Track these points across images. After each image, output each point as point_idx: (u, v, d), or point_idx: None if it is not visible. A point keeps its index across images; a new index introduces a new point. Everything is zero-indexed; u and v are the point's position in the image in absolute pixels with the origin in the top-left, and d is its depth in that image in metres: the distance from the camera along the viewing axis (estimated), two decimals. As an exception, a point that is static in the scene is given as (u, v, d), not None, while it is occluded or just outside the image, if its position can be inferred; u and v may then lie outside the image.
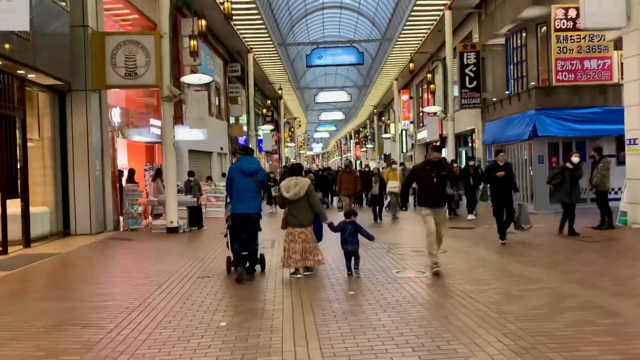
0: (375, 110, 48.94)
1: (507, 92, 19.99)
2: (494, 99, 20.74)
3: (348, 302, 6.08)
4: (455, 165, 15.63)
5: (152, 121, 17.58)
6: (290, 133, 53.42)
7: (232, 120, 28.93)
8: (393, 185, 14.95)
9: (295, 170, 7.88)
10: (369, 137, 59.72)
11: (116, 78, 12.86)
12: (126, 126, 16.31)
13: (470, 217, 14.77)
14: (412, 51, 25.79)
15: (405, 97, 37.94)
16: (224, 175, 24.25)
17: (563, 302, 5.73)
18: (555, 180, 10.94)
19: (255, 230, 7.70)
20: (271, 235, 11.14)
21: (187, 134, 18.67)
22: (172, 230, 13.27)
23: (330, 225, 7.68)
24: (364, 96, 47.44)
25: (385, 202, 16.65)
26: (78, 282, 7.77)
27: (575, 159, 11.00)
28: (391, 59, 30.45)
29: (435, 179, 7.45)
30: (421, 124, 35.87)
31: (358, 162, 70.01)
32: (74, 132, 12.83)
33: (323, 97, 51.09)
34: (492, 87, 21.30)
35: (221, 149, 26.03)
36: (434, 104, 27.93)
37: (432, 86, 22.85)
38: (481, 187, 14.73)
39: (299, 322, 5.32)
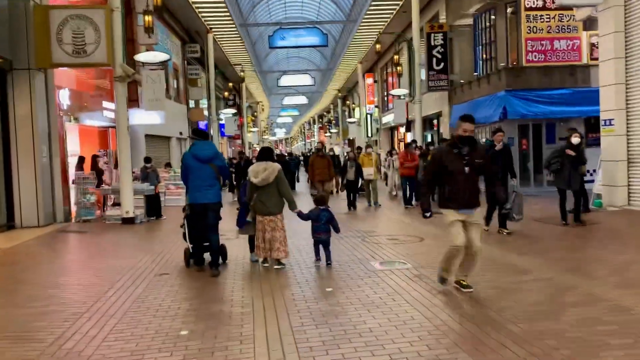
0: (339, 94, 48.27)
1: (476, 74, 19.61)
2: (462, 81, 20.36)
3: (327, 301, 5.43)
4: (431, 148, 14.92)
5: (105, 104, 16.39)
6: (253, 118, 52.28)
7: (192, 104, 27.75)
8: (368, 173, 14.11)
9: (264, 154, 7.25)
10: (333, 121, 59.12)
11: (63, 56, 11.73)
12: (77, 109, 15.14)
13: None
14: (377, 32, 25.10)
15: (369, 80, 37.39)
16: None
17: (563, 296, 5.23)
18: (554, 165, 9.66)
19: (216, 221, 7.16)
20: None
21: (144, 118, 17.58)
22: (128, 221, 12.32)
23: (300, 214, 7.15)
24: (327, 80, 46.62)
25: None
26: (17, 283, 6.85)
27: (575, 139, 9.51)
28: (356, 40, 29.72)
29: (467, 168, 5.33)
30: (386, 108, 35.45)
31: (322, 146, 69.48)
32: (16, 115, 11.68)
33: (286, 80, 50.04)
34: (460, 69, 20.90)
35: (180, 133, 24.89)
36: (399, 87, 27.51)
37: (399, 68, 22.27)
38: None
39: (273, 328, 4.63)
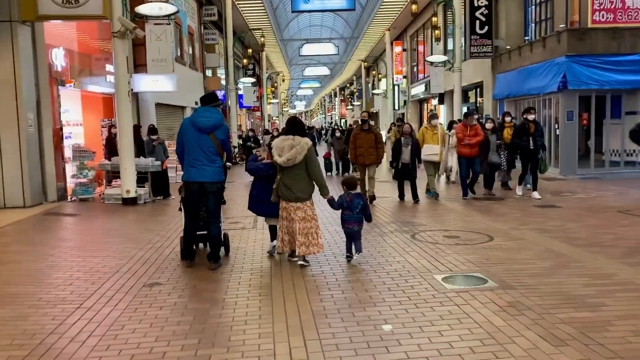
0: (364, 64, 45.79)
1: (527, 39, 17.33)
2: (508, 47, 18.05)
3: (377, 331, 3.58)
4: (508, 119, 11.45)
5: (110, 68, 14.61)
6: (273, 89, 50.18)
7: (209, 73, 25.86)
8: (433, 152, 10.62)
9: (293, 126, 5.81)
10: (356, 93, 56.75)
11: (51, 7, 9.92)
12: (77, 73, 13.38)
13: (518, 191, 10.74)
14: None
15: (398, 49, 35.00)
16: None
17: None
18: None
19: (216, 205, 5.93)
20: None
21: (152, 84, 15.78)
22: (129, 202, 10.62)
23: (331, 201, 5.83)
24: (352, 49, 44.21)
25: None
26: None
27: None
28: (385, 4, 27.33)
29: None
30: (415, 79, 33.15)
31: (343, 120, 67.16)
32: (-4, 77, 9.95)
33: (308, 49, 47.70)
34: (506, 33, 18.56)
35: (196, 103, 23.01)
36: (432, 54, 25.14)
37: (436, 32, 19.98)
38: (541, 153, 10.46)
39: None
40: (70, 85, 12.81)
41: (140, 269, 5.85)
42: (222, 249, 6.24)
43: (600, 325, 3.82)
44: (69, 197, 11.65)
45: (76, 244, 7.34)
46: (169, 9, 10.23)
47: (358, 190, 6.37)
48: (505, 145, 11.05)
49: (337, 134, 16.89)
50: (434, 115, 11.30)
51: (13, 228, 8.46)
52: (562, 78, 13.71)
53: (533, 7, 17.10)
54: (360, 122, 10.47)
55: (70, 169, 11.94)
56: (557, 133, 14.68)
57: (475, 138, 10.21)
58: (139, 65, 16.38)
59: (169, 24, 11.16)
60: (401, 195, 10.46)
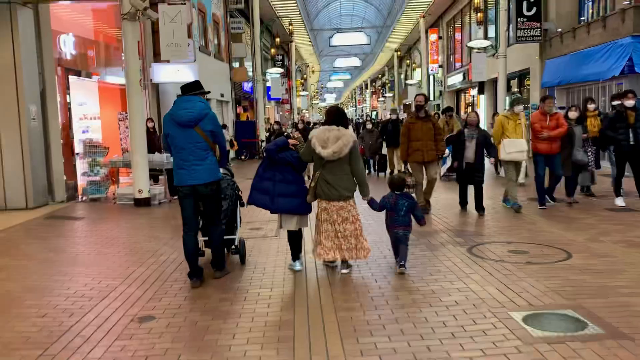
0: (398, 53, 44.12)
1: (582, 19, 15.67)
2: (560, 30, 16.41)
3: None
4: (592, 107, 8.96)
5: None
6: (302, 81, 49.03)
7: (235, 64, 24.82)
8: (518, 148, 7.90)
9: (335, 116, 5.13)
10: (388, 84, 55.10)
11: (54, -15, 8.89)
12: (90, 62, 12.44)
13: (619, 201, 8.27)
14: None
15: (433, 37, 33.32)
16: (224, 127, 20.41)
17: None
18: None
19: (216, 208, 5.18)
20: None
21: (173, 74, 14.71)
22: (142, 203, 9.59)
23: (372, 202, 5.23)
24: (384, 38, 42.64)
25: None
26: None
27: None
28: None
29: None
30: (452, 68, 31.52)
31: (374, 113, 65.52)
32: (-6, 64, 9.01)
33: (339, 40, 46.30)
34: (557, 15, 16.90)
35: (222, 95, 22.03)
36: (470, 40, 23.49)
37: (479, 14, 18.41)
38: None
39: None
40: (97, 77, 11.88)
41: (134, 293, 4.74)
42: (238, 257, 5.69)
43: None
44: (79, 197, 10.71)
45: (68, 257, 6.26)
46: (184, -14, 9.10)
47: (403, 191, 5.28)
48: (592, 140, 8.70)
49: (369, 125, 14.13)
50: (517, 100, 8.27)
51: (7, 234, 7.48)
52: (628, 61, 12.11)
53: (589, -16, 15.43)
54: (414, 109, 8.22)
55: (81, 165, 11.00)
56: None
57: (557, 130, 7.81)
58: (157, 54, 15.39)
59: (184, 3, 10.03)
60: (463, 203, 8.27)
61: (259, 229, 7.36)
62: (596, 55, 13.63)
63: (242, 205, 5.81)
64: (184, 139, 4.84)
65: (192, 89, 5.01)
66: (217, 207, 5.17)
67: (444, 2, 28.63)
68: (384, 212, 5.29)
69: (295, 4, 28.92)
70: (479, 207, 7.88)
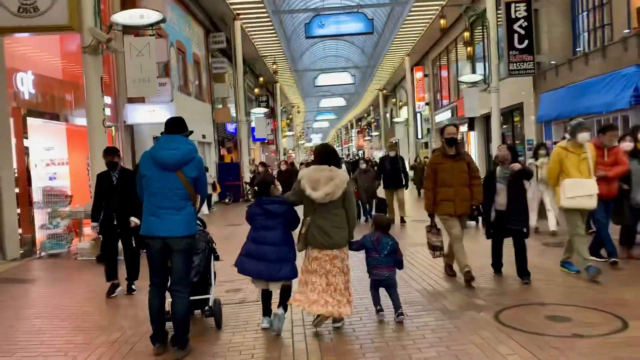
0: (384, 92, 43.85)
1: (578, 50, 15.07)
2: (553, 62, 15.78)
3: None
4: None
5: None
6: (288, 121, 48.43)
7: (219, 105, 23.97)
8: (585, 191, 5.89)
9: (327, 155, 4.74)
10: (374, 124, 54.76)
11: (3, 15, 7.90)
12: (56, 102, 11.41)
13: None
14: (436, 9, 20.60)
15: (419, 74, 32.97)
16: (205, 169, 19.31)
17: None
18: None
19: (185, 267, 4.45)
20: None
21: (148, 115, 13.71)
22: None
23: (351, 244, 4.81)
24: (369, 77, 42.37)
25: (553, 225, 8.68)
26: None
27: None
28: (406, 25, 25.32)
29: None
30: (439, 105, 31.03)
31: (360, 152, 65.01)
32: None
33: (323, 80, 45.98)
34: (550, 48, 16.31)
35: (203, 137, 21.05)
36: (458, 75, 22.97)
37: (469, 49, 17.80)
38: None
39: None
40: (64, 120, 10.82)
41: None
42: (213, 321, 4.94)
43: None
44: (37, 252, 9.47)
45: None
46: (153, 16, 8.14)
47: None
48: None
49: (363, 165, 12.33)
50: (580, 126, 6.01)
51: None
52: (633, 91, 11.35)
53: (584, 14, 14.88)
54: (444, 144, 6.15)
55: (39, 217, 9.80)
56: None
57: (616, 169, 6.32)
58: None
59: (153, 34, 9.10)
60: (497, 265, 6.26)
61: (237, 290, 6.20)
62: (597, 87, 12.90)
63: (216, 259, 5.15)
64: (161, 184, 4.29)
65: (177, 127, 4.45)
66: (187, 266, 4.45)
67: (428, 39, 28.30)
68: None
69: (279, 44, 28.41)
70: (523, 272, 5.91)
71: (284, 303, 4.73)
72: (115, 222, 6.38)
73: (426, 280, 6.20)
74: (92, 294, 6.55)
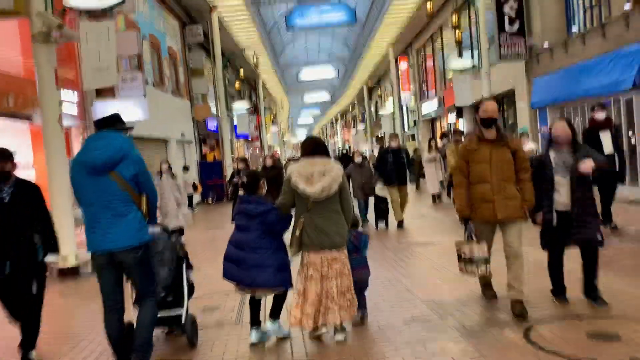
0: (368, 84, 43.08)
1: (574, 31, 14.34)
2: (546, 44, 15.05)
3: None
4: None
5: (66, 95, 11.59)
6: (272, 116, 47.38)
7: (199, 101, 22.98)
8: None
9: (316, 147, 4.31)
10: (359, 118, 53.95)
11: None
12: (16, 100, 10.38)
13: None
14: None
15: (403, 65, 32.18)
16: (185, 168, 18.37)
17: None
18: None
19: (146, 279, 3.90)
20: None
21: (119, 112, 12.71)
22: (68, 273, 7.44)
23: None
24: (353, 70, 41.53)
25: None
26: None
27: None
28: (393, 10, 24.33)
29: None
30: (425, 96, 30.28)
31: (347, 146, 64.21)
32: None
33: (307, 74, 45.05)
34: (542, 30, 15.57)
35: (182, 135, 20.07)
36: (444, 65, 22.20)
37: (457, 33, 17.00)
38: None
39: None
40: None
41: None
42: (185, 339, 4.39)
43: None
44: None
45: None
46: (111, -1, 7.18)
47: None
48: None
49: (358, 159, 10.58)
50: None
51: None
52: (638, 71, 10.63)
53: (578, -8, 14.16)
54: (479, 124, 4.61)
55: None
56: (633, 142, 11.53)
57: None
58: (103, 90, 13.41)
59: (113, 19, 8.13)
60: (558, 286, 4.67)
61: (213, 310, 5.31)
62: (597, 68, 12.17)
63: (189, 267, 4.58)
64: (94, 191, 3.69)
65: (107, 122, 3.87)
66: (148, 278, 3.93)
67: (413, 28, 27.49)
68: None
69: (258, 37, 27.39)
70: (591, 289, 4.51)
71: (273, 315, 4.34)
72: (7, 268, 4.21)
73: (433, 289, 5.37)
74: (50, 315, 5.61)
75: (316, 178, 4.06)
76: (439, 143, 16.95)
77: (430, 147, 14.79)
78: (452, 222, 9.13)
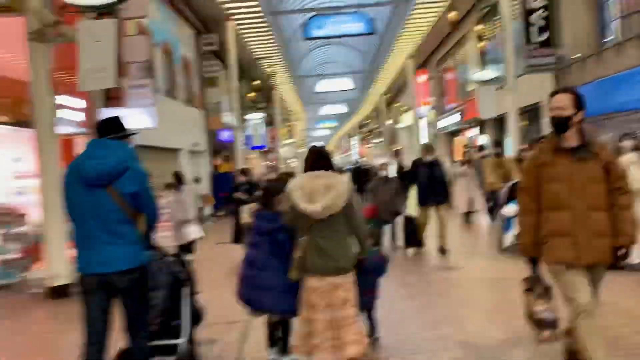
0: (387, 96, 42.51)
1: (607, 40, 13.55)
2: (577, 55, 14.25)
3: None
4: None
5: (69, 100, 11.07)
6: (288, 129, 46.93)
7: (213, 111, 22.50)
8: None
9: (319, 159, 3.81)
10: (376, 131, 53.32)
11: None
12: (18, 107, 9.88)
13: None
14: (443, 3, 19.03)
15: (422, 78, 31.48)
16: (196, 180, 17.80)
17: None
18: None
19: (140, 308, 3.53)
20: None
21: (128, 121, 12.17)
22: (57, 293, 6.81)
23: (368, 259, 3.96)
24: (371, 82, 41.00)
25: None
26: None
27: None
28: (413, 20, 23.63)
29: None
30: (444, 110, 29.55)
31: (363, 159, 63.48)
32: None
33: (324, 86, 44.58)
34: (573, 39, 14.78)
35: (194, 145, 19.55)
36: (466, 76, 21.44)
37: (480, 44, 16.27)
38: None
39: None
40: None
41: None
42: None
43: None
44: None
45: None
46: (112, -6, 6.62)
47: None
48: None
49: (383, 173, 9.47)
50: None
51: None
52: (682, 82, 9.81)
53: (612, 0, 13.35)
54: (552, 129, 3.65)
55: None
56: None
57: None
58: (112, 98, 12.93)
59: (116, 17, 7.54)
60: None
61: (213, 340, 4.62)
62: (635, 79, 11.37)
63: (193, 293, 4.22)
64: (89, 206, 3.36)
65: (109, 127, 3.53)
66: (141, 306, 3.57)
67: (433, 39, 26.83)
68: None
69: (275, 47, 26.92)
70: None
71: (281, 343, 4.18)
72: None
73: (481, 331, 4.59)
74: (33, 341, 4.96)
75: (318, 193, 3.63)
76: (474, 155, 16.22)
77: (464, 160, 14.02)
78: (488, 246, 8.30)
